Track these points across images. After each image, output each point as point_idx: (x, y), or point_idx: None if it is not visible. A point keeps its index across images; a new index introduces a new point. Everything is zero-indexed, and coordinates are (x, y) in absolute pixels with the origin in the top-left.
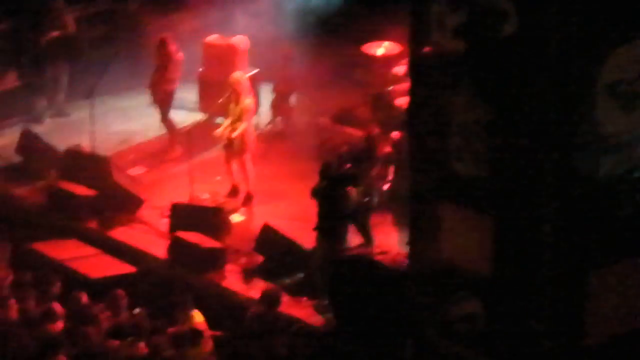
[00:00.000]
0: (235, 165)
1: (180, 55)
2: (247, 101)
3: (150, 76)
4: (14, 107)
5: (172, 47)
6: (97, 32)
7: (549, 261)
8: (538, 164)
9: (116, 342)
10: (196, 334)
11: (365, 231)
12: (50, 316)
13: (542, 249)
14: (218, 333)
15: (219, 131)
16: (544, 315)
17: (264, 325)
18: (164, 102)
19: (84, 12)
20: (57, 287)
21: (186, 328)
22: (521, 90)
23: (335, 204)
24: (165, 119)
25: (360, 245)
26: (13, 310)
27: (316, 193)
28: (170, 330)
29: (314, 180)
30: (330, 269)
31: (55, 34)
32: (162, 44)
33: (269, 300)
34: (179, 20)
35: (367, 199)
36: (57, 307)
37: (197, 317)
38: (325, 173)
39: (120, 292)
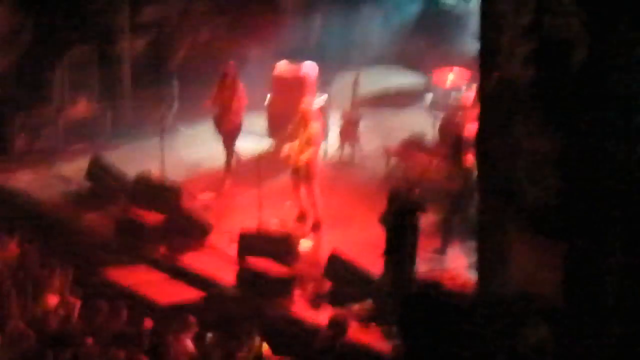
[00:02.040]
0: (303, 192)
1: (242, 85)
2: (315, 127)
3: (215, 106)
4: (84, 132)
5: (237, 76)
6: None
7: (621, 289)
8: (609, 193)
9: None
10: None
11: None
12: (119, 341)
13: (614, 277)
14: (286, 359)
15: (285, 150)
16: (615, 343)
17: (332, 351)
18: (232, 133)
19: None
20: (124, 313)
21: (252, 354)
22: (591, 118)
23: (403, 230)
24: (230, 150)
25: (430, 270)
26: (83, 335)
27: (385, 220)
28: (239, 356)
29: (382, 206)
30: (399, 296)
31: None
32: (228, 72)
33: (337, 326)
34: (247, 47)
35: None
36: (127, 331)
37: (262, 344)
38: (394, 199)
39: (191, 318)
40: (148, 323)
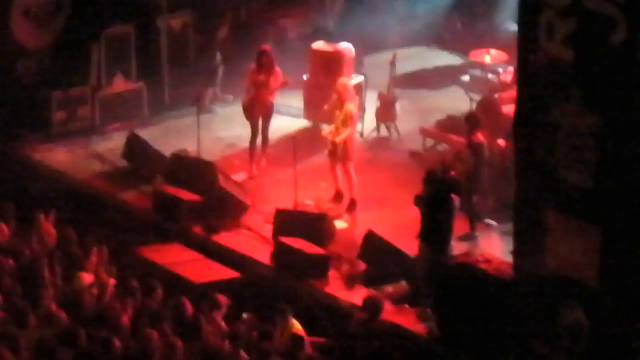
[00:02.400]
0: (339, 172)
1: (278, 68)
2: (351, 107)
3: (249, 88)
4: (120, 110)
5: (272, 58)
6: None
7: None
8: None
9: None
10: (297, 341)
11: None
12: (154, 320)
13: None
14: (320, 339)
15: (324, 132)
16: None
17: (367, 332)
18: (267, 114)
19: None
20: (158, 292)
21: (286, 335)
22: (630, 98)
23: (439, 212)
24: (266, 130)
25: (464, 252)
26: (117, 314)
27: (420, 200)
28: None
29: (418, 187)
30: (434, 277)
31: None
32: (263, 54)
33: (372, 307)
34: (286, 26)
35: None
36: (162, 312)
37: (296, 324)
38: (429, 180)
39: (223, 298)
40: (183, 302)
